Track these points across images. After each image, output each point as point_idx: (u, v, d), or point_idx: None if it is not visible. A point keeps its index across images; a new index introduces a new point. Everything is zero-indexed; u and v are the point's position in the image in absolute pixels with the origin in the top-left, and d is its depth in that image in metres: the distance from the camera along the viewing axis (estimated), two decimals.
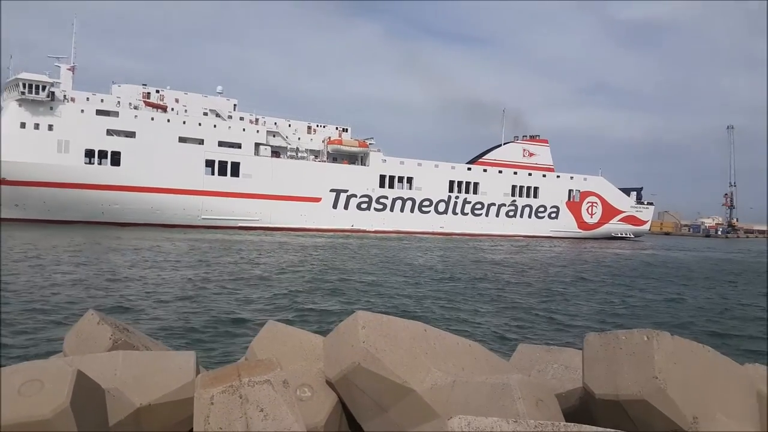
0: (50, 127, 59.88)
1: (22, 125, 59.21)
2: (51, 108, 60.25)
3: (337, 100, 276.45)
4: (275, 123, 76.06)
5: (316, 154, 78.29)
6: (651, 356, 3.65)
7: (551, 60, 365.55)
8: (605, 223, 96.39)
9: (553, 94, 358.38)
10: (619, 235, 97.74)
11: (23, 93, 58.64)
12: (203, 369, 4.92)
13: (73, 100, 62.47)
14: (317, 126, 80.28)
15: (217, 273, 24.60)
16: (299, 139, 77.40)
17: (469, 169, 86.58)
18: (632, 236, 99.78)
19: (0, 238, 35.88)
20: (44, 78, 60.38)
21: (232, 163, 68.79)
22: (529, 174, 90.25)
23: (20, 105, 59.21)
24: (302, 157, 76.41)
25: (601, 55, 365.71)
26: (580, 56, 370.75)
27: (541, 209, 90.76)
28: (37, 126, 59.51)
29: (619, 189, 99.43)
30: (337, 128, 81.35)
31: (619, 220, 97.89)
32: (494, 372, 4.22)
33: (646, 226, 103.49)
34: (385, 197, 78.81)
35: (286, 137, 76.13)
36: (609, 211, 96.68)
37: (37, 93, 59.12)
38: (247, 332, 13.09)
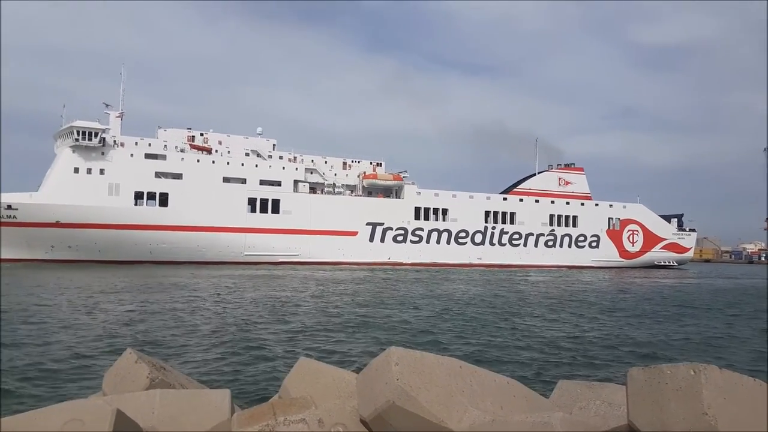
0: (102, 172, 62.82)
1: (76, 170, 62.24)
2: (102, 153, 63.26)
3: (366, 136, 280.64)
4: (312, 160, 78.04)
5: (351, 188, 79.78)
6: (699, 391, 3.47)
7: (574, 86, 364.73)
8: (647, 251, 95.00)
9: (580, 121, 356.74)
10: (662, 263, 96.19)
11: (77, 140, 61.69)
12: (237, 407, 5.09)
13: (122, 144, 65.48)
14: (352, 161, 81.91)
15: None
16: (335, 174, 79.11)
17: (505, 199, 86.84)
18: (675, 264, 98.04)
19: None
20: (97, 125, 63.45)
21: (273, 201, 70.77)
22: (567, 203, 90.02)
23: (74, 151, 62.30)
24: (338, 193, 78.02)
25: (626, 79, 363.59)
26: (603, 82, 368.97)
27: (581, 238, 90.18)
28: (89, 171, 62.51)
29: (659, 216, 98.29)
30: (371, 163, 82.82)
31: (661, 248, 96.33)
32: (534, 410, 4.16)
33: (689, 254, 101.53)
34: (421, 229, 79.55)
35: (323, 173, 77.92)
36: (650, 239, 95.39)
37: (89, 139, 62.20)
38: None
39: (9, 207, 58.70)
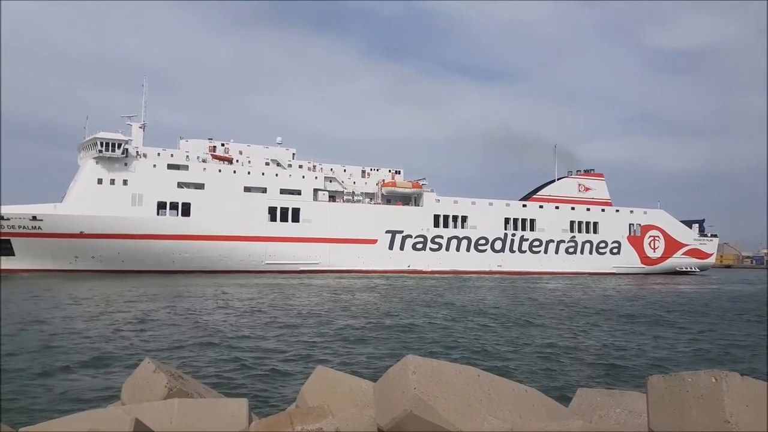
0: (125, 182, 63.78)
1: (99, 181, 63.27)
2: (125, 164, 64.26)
3: (379, 143, 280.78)
4: (331, 169, 78.49)
5: (370, 196, 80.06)
6: (721, 399, 3.43)
7: (588, 91, 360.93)
8: (668, 258, 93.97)
9: (595, 127, 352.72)
10: (684, 269, 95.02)
11: (100, 151, 62.73)
12: (255, 416, 5.07)
13: (145, 155, 66.46)
14: (371, 170, 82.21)
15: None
16: (354, 183, 79.47)
17: (525, 205, 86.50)
18: (697, 270, 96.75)
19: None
20: (120, 136, 64.49)
21: (293, 209, 71.27)
22: (587, 209, 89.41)
23: (97, 162, 63.33)
24: (358, 201, 78.35)
25: (641, 83, 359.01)
26: (618, 86, 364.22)
27: (602, 245, 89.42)
28: (112, 181, 63.51)
29: (681, 221, 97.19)
30: (389, 171, 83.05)
31: (682, 254, 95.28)
32: (553, 419, 4.12)
33: (711, 259, 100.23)
34: (440, 237, 79.47)
35: (342, 182, 78.32)
36: (672, 245, 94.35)
37: (113, 151, 63.22)
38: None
39: (34, 218, 59.80)
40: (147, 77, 72.36)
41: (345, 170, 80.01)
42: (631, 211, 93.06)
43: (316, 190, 74.02)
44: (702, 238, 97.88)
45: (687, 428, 3.49)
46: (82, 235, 60.81)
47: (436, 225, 79.44)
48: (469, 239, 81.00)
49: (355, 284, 50.89)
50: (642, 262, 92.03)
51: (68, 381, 13.59)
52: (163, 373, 5.07)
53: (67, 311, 27.40)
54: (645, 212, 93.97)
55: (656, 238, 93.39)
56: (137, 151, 66.16)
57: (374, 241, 75.27)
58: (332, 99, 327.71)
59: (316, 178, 74.60)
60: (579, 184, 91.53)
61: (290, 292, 40.33)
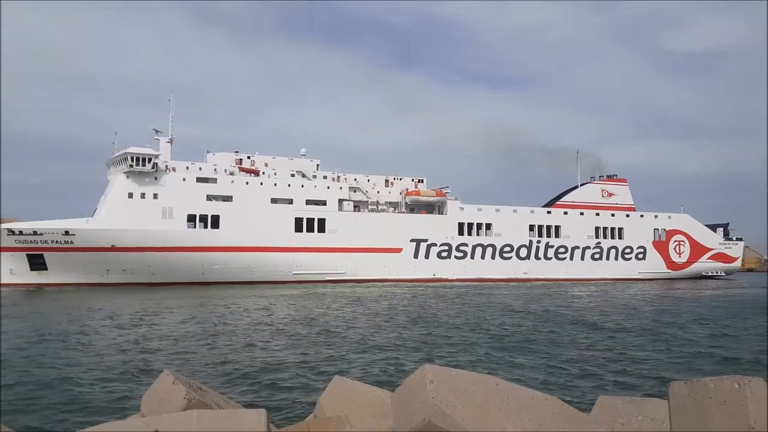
0: (155, 196, 65.24)
1: (130, 195, 64.76)
2: (155, 178, 65.72)
3: (399, 153, 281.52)
4: (355, 179, 79.36)
5: (394, 206, 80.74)
6: (744, 405, 3.41)
7: (603, 95, 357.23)
8: (694, 262, 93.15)
9: (612, 131, 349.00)
10: (710, 274, 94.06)
11: (131, 166, 64.25)
12: (274, 426, 5.09)
13: (174, 169, 67.94)
14: (394, 179, 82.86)
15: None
16: (378, 192, 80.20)
17: (549, 212, 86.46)
18: (723, 274, 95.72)
19: None
20: (150, 151, 66.00)
21: (319, 220, 72.21)
22: (612, 214, 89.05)
23: (128, 177, 64.85)
24: (382, 210, 79.08)
25: (658, 86, 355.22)
26: (633, 90, 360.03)
27: (628, 250, 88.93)
28: (143, 195, 64.99)
29: (705, 225, 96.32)
30: (413, 179, 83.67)
31: (708, 258, 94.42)
32: (574, 427, 4.06)
33: (737, 263, 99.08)
34: (465, 245, 79.75)
35: (366, 191, 79.12)
36: (697, 250, 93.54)
37: (143, 165, 64.71)
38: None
39: (66, 233, 61.38)
40: (173, 93, 74.12)
41: (368, 180, 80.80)
42: (656, 216, 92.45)
43: (341, 201, 74.93)
44: (727, 242, 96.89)
45: None
46: (113, 249, 62.29)
47: (461, 233, 79.78)
48: (494, 247, 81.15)
49: (395, 292, 51.39)
50: (668, 267, 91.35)
51: (88, 393, 14.01)
52: (182, 384, 5.12)
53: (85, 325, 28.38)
54: (669, 217, 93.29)
55: (681, 243, 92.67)
56: (166, 165, 67.64)
57: (399, 250, 75.86)
58: (346, 109, 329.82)
59: (340, 188, 75.52)
60: (602, 190, 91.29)
61: (317, 302, 40.98)
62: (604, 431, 4.15)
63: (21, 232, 60.80)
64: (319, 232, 71.97)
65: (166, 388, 5.11)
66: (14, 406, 12.74)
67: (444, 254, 78.46)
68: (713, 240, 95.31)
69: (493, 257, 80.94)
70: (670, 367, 17.48)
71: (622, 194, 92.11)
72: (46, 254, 61.39)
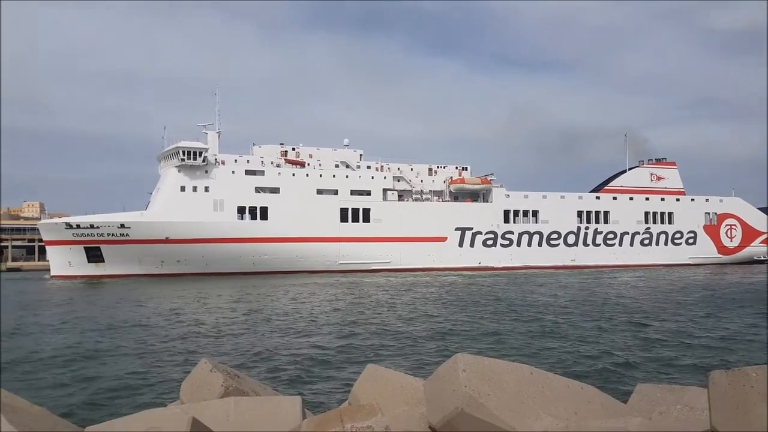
0: (206, 189, 66.37)
1: (182, 189, 66.02)
2: (206, 171, 66.82)
3: (441, 142, 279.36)
4: (398, 168, 79.25)
5: (438, 194, 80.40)
6: None
7: (648, 78, 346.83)
8: (746, 246, 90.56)
9: (658, 113, 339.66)
10: (763, 258, 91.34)
11: (183, 160, 65.41)
12: (310, 413, 5.24)
13: (223, 162, 68.95)
14: (437, 167, 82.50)
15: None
16: (422, 181, 79.96)
17: (598, 197, 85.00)
18: None
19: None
20: (200, 145, 67.18)
21: (364, 210, 72.46)
22: (662, 199, 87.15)
23: (179, 171, 66.07)
24: (426, 199, 78.84)
25: (703, 67, 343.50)
26: (678, 71, 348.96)
27: (678, 235, 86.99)
28: (195, 188, 66.17)
29: (758, 209, 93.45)
30: (456, 167, 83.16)
31: (761, 242, 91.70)
32: (611, 416, 4.00)
33: None
34: (511, 232, 79.03)
35: (410, 180, 78.97)
36: (749, 234, 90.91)
37: (194, 159, 65.85)
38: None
39: (122, 225, 62.94)
40: (219, 87, 74.80)
41: (412, 169, 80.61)
42: (707, 200, 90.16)
43: (385, 190, 74.96)
44: None
45: (752, 426, 3.30)
46: (167, 241, 63.59)
47: (507, 220, 79.10)
48: (540, 234, 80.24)
49: (449, 281, 51.23)
50: (719, 252, 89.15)
51: (135, 381, 14.55)
52: (220, 372, 5.22)
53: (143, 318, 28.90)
54: (721, 200, 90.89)
55: (733, 227, 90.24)
56: (215, 159, 68.63)
57: (444, 239, 75.61)
58: (382, 98, 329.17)
59: (384, 178, 75.53)
60: (651, 174, 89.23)
61: (365, 290, 41.09)
62: (641, 420, 4.03)
63: (78, 226, 62.52)
64: (364, 222, 72.24)
65: (203, 376, 5.22)
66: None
67: (489, 242, 77.93)
68: (766, 223, 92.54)
69: (540, 245, 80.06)
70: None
71: (672, 178, 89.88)
72: (102, 247, 63.04)
